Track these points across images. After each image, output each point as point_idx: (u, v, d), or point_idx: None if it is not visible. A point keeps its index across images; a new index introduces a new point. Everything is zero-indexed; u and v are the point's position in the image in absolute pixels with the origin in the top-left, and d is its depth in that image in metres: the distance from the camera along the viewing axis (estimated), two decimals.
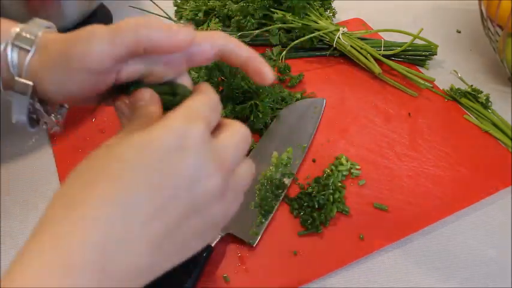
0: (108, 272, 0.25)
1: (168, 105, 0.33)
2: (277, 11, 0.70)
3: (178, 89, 0.35)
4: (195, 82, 0.58)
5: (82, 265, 0.24)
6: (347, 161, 0.55)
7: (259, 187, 0.51)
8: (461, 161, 0.57)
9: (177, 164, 0.28)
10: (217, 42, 0.35)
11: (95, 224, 0.25)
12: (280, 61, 0.68)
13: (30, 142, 0.59)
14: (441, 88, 0.66)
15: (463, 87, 0.65)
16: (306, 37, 0.68)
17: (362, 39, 0.69)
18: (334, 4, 0.74)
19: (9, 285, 0.23)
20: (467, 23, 0.78)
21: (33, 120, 0.38)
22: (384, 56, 0.67)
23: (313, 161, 0.57)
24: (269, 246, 0.48)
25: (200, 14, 0.75)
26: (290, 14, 0.69)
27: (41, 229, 0.26)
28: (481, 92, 0.63)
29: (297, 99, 0.62)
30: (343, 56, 0.70)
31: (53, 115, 0.39)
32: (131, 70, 0.34)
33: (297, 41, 0.69)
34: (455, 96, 0.64)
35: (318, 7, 0.71)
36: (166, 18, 0.77)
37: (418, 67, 0.69)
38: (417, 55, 0.69)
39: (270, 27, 0.69)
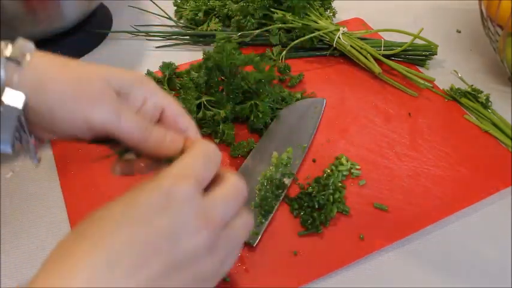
0: None
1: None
2: (277, 10, 0.70)
3: None
4: (196, 83, 0.59)
5: None
6: (347, 161, 0.55)
7: (259, 187, 0.51)
8: (462, 161, 0.57)
9: (159, 222, 0.30)
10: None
11: (80, 274, 0.28)
12: (280, 61, 0.68)
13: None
14: (441, 88, 0.66)
15: (463, 87, 0.65)
16: (306, 37, 0.68)
17: (362, 39, 0.69)
18: (334, 4, 0.73)
19: None
20: (467, 23, 0.78)
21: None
22: (384, 56, 0.67)
23: (313, 161, 0.57)
24: (269, 246, 0.48)
25: (200, 14, 0.75)
26: (290, 13, 0.69)
27: (37, 278, 0.28)
28: (481, 92, 0.63)
29: (297, 99, 0.62)
30: (343, 56, 0.70)
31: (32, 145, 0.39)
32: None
33: (297, 41, 0.69)
34: (455, 96, 0.64)
35: (318, 7, 0.71)
36: (166, 18, 0.77)
37: (418, 67, 0.69)
38: (417, 55, 0.69)
39: (270, 27, 0.69)
